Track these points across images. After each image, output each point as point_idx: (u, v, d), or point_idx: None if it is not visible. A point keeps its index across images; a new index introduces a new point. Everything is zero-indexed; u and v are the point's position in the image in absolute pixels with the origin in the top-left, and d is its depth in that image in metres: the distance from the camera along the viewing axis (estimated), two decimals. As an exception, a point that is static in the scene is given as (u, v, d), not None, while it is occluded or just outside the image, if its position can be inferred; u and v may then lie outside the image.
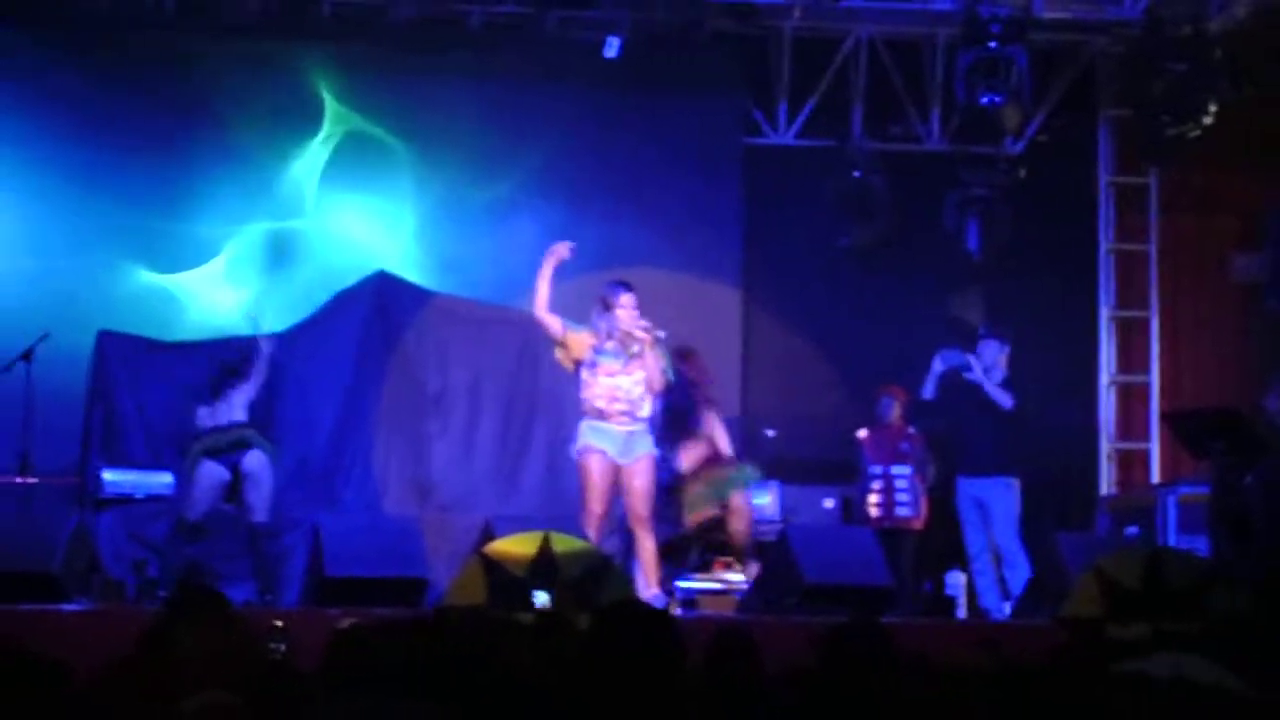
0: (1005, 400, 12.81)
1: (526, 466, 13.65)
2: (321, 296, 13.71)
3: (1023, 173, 15.01)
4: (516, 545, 9.79)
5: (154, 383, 13.14)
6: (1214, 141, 14.03)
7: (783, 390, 14.70)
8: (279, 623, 7.15)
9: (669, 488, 12.15)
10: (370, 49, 14.43)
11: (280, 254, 14.28)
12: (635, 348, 11.19)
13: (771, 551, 11.96)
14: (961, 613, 12.78)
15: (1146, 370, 15.51)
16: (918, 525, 13.16)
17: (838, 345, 14.96)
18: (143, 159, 13.93)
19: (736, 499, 12.28)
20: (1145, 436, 15.45)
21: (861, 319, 14.87)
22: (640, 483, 11.21)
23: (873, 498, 13.18)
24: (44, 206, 13.90)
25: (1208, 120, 13.72)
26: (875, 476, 13.20)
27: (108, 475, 12.58)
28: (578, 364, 11.28)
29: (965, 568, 12.96)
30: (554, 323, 11.30)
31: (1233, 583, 9.58)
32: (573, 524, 11.10)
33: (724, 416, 12.88)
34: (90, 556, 11.44)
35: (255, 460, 12.13)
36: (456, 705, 3.91)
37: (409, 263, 14.28)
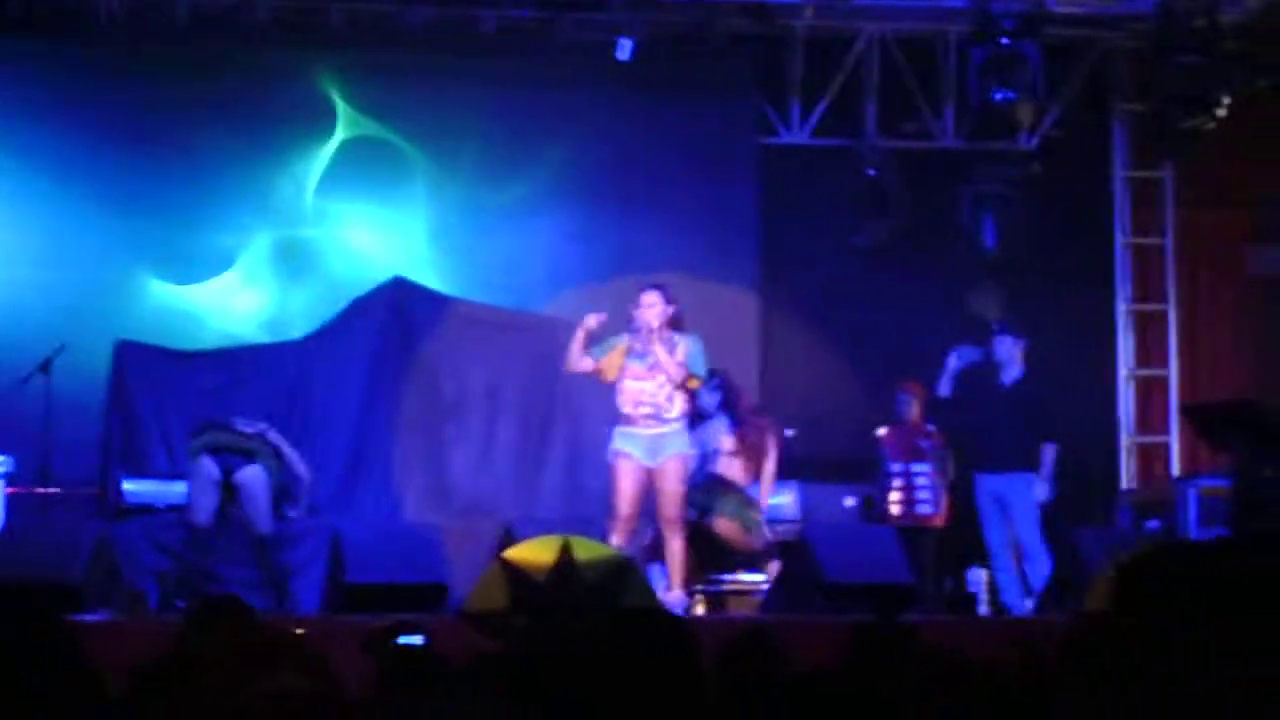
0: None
1: (546, 470, 13.65)
2: (338, 303, 13.72)
3: (1037, 168, 15.00)
4: (537, 551, 9.81)
5: (172, 392, 13.17)
6: (1229, 134, 14.01)
7: (801, 389, 14.68)
8: (300, 631, 7.17)
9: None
10: (382, 55, 14.43)
11: (295, 261, 14.29)
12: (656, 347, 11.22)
13: (792, 551, 11.96)
14: (983, 609, 12.77)
15: (1165, 364, 15.49)
16: (938, 522, 13.14)
17: (854, 343, 14.95)
18: (156, 168, 13.95)
19: (720, 521, 12.18)
20: (1164, 430, 15.42)
21: (878, 317, 14.85)
22: (669, 484, 11.21)
23: (893, 495, 13.16)
24: (57, 218, 13.91)
25: (1221, 113, 13.69)
26: (895, 474, 13.18)
27: (128, 485, 12.58)
28: (620, 377, 11.32)
29: (986, 564, 12.95)
30: (586, 364, 11.33)
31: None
32: (594, 526, 11.13)
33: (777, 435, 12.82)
34: (112, 567, 11.45)
35: (250, 474, 12.10)
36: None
37: (425, 268, 14.28)
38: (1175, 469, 15.10)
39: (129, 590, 11.47)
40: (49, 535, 11.69)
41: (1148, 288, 15.56)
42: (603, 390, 11.52)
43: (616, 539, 10.96)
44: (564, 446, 13.58)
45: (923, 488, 13.12)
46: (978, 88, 14.01)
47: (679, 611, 10.75)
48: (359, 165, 14.38)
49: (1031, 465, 12.66)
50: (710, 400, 12.28)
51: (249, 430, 12.24)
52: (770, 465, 12.44)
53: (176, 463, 12.84)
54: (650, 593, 10.38)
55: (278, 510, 12.19)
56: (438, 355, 13.69)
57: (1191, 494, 13.17)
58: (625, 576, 9.82)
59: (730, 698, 4.08)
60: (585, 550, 9.86)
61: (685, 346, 11.25)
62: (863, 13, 14.71)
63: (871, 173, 14.81)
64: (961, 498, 13.11)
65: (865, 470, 13.61)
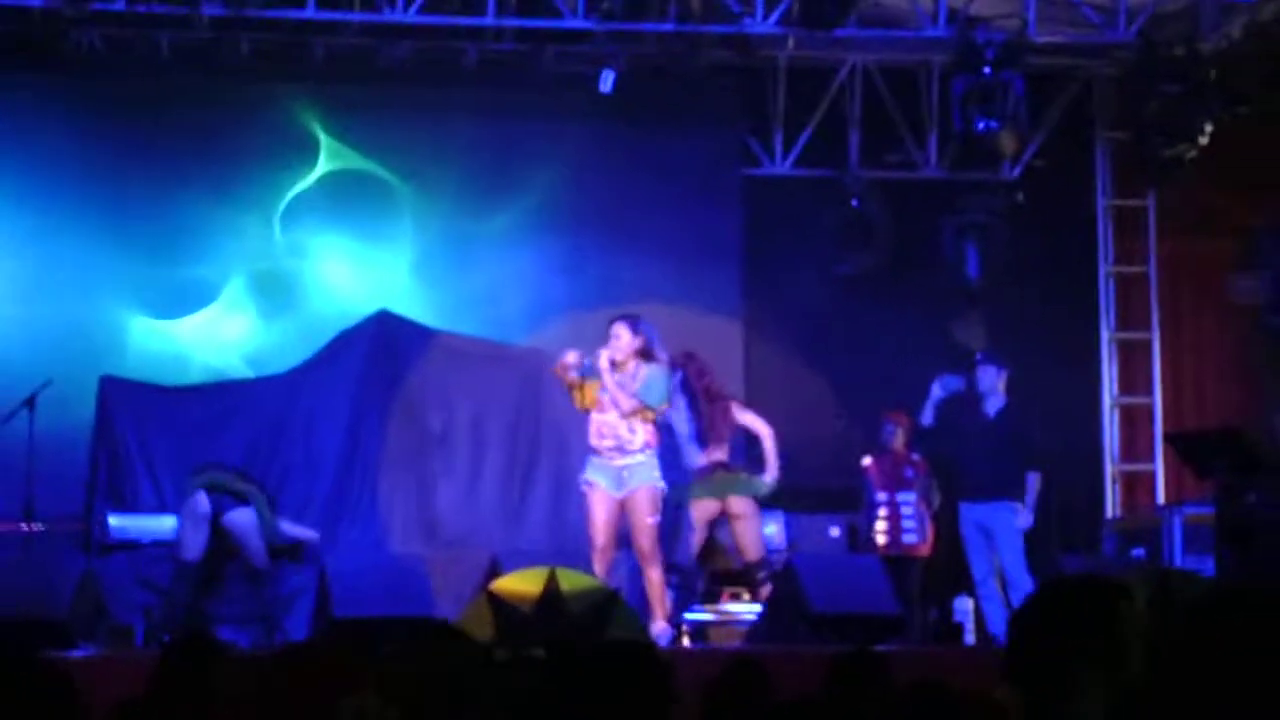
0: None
1: (531, 501, 13.64)
2: (322, 336, 13.72)
3: (1021, 197, 15.02)
4: (523, 583, 9.80)
5: (158, 427, 13.15)
6: (1211, 162, 14.04)
7: (785, 419, 14.66)
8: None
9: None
10: (364, 87, 14.48)
11: (279, 295, 14.31)
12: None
13: (779, 581, 11.95)
14: (969, 639, 12.76)
15: (1149, 392, 15.52)
16: (924, 552, 13.15)
17: (838, 373, 14.96)
18: (138, 203, 13.98)
19: (737, 502, 12.24)
20: (1149, 458, 15.44)
21: (862, 346, 14.88)
22: (637, 516, 11.21)
23: (879, 525, 13.17)
24: (40, 254, 13.94)
25: (1203, 141, 13.72)
26: (881, 504, 13.20)
27: (114, 520, 12.57)
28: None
29: (972, 593, 12.95)
30: (572, 376, 11.35)
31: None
32: (579, 558, 11.12)
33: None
34: (98, 602, 11.42)
35: (240, 517, 12.16)
36: None
37: (409, 300, 14.29)
38: (1160, 497, 15.11)
39: (115, 625, 11.44)
40: (34, 571, 11.63)
41: (1131, 316, 15.60)
42: (587, 422, 11.53)
43: (597, 569, 10.97)
44: (549, 478, 13.57)
45: (908, 517, 13.13)
46: (960, 118, 14.02)
47: (664, 643, 10.76)
48: (341, 198, 14.40)
49: (1015, 494, 12.65)
50: (679, 409, 12.30)
51: (246, 479, 12.35)
52: (770, 445, 12.45)
53: (163, 498, 12.84)
54: (637, 624, 10.37)
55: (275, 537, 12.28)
56: (423, 388, 13.68)
57: (1177, 521, 13.19)
58: (610, 608, 9.81)
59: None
60: (571, 582, 9.85)
61: (643, 376, 11.24)
62: (845, 43, 14.71)
63: (855, 203, 14.85)
64: (946, 527, 13.11)
65: (850, 500, 13.62)
